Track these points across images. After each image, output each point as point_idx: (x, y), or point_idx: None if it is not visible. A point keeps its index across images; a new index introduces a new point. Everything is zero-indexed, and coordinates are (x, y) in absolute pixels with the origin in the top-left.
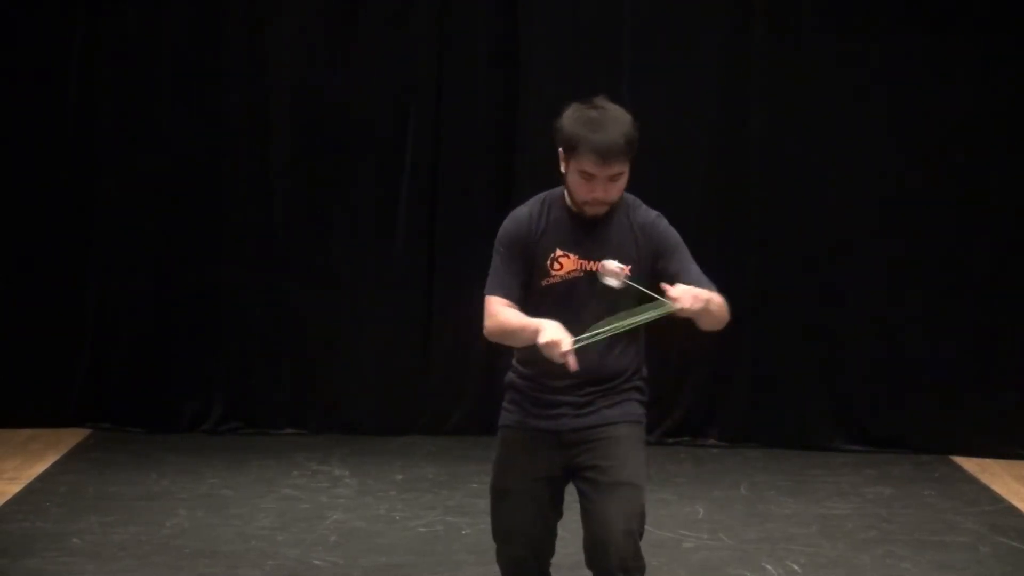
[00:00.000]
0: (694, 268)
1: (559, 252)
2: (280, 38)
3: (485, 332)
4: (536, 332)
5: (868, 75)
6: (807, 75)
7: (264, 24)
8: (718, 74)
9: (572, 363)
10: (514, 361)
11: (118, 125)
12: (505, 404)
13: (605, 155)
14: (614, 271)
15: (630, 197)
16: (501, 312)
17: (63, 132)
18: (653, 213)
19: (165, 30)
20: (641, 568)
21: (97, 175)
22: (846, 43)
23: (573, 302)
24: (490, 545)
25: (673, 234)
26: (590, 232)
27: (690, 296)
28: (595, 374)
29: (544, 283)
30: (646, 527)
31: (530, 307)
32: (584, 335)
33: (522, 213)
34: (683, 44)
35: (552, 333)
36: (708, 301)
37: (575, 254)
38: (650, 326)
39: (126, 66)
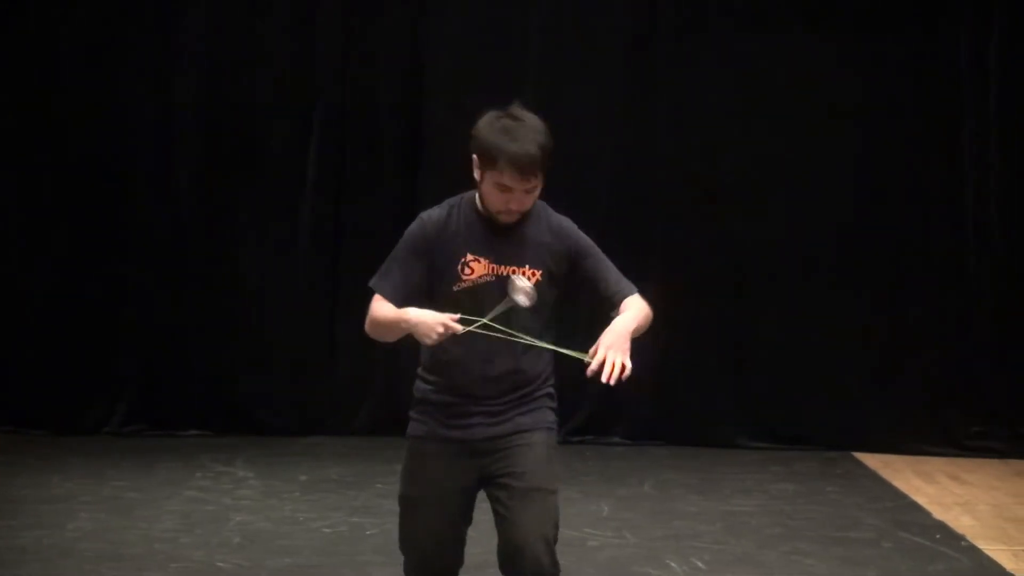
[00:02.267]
0: (612, 273)
1: (470, 257)
2: (185, 40)
3: (366, 329)
4: (405, 323)
5: (771, 77)
6: (712, 79)
7: (169, 26)
8: (624, 77)
9: (456, 328)
10: (421, 371)
11: (22, 125)
12: (414, 415)
13: (524, 170)
14: (523, 289)
15: (539, 202)
16: (378, 309)
17: None
18: (564, 220)
19: (69, 29)
20: (556, 574)
21: None
22: (751, 47)
23: (485, 308)
24: (396, 545)
25: (587, 240)
26: (502, 237)
27: (608, 353)
28: (509, 380)
29: (456, 288)
30: None
31: (442, 312)
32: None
33: (434, 215)
34: (588, 49)
35: (425, 319)
36: (626, 349)
37: (487, 259)
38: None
39: (29, 65)
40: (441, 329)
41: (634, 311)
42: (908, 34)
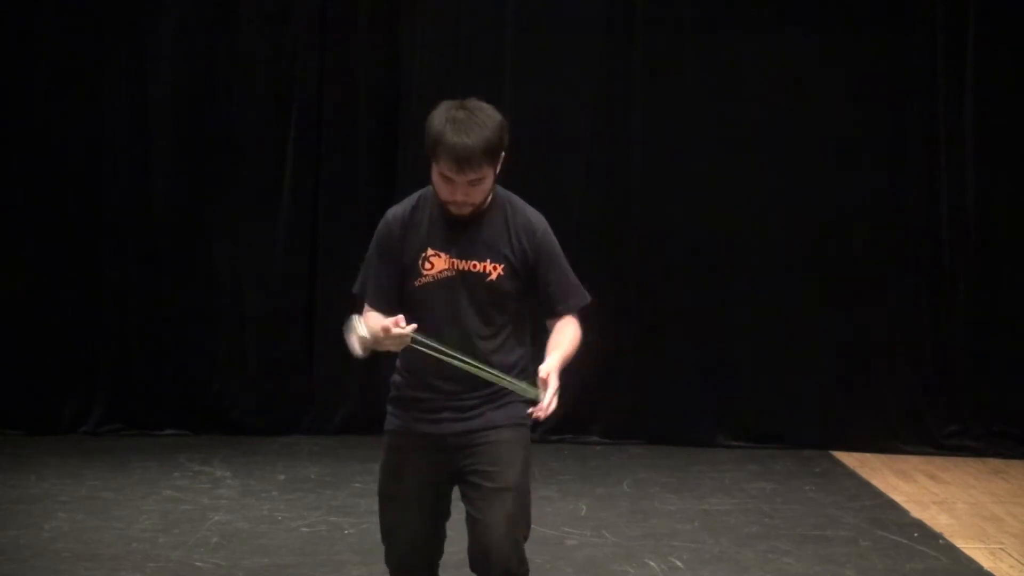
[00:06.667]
0: (563, 283)
1: (430, 252)
2: (160, 35)
3: None
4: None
5: (748, 75)
6: (686, 74)
7: (143, 22)
8: (599, 74)
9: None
10: (397, 364)
11: None
12: (390, 409)
13: (461, 162)
14: (358, 333)
15: (509, 196)
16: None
17: None
18: (534, 217)
19: (43, 26)
20: (525, 573)
21: None
22: (727, 44)
23: (446, 302)
24: (374, 544)
25: (550, 243)
26: (463, 231)
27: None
28: (476, 378)
29: (416, 283)
30: None
31: (406, 309)
32: (435, 345)
33: (396, 212)
34: (565, 46)
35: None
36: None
37: (447, 253)
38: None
39: (2, 63)
40: (384, 333)
41: (567, 342)
42: (883, 34)
